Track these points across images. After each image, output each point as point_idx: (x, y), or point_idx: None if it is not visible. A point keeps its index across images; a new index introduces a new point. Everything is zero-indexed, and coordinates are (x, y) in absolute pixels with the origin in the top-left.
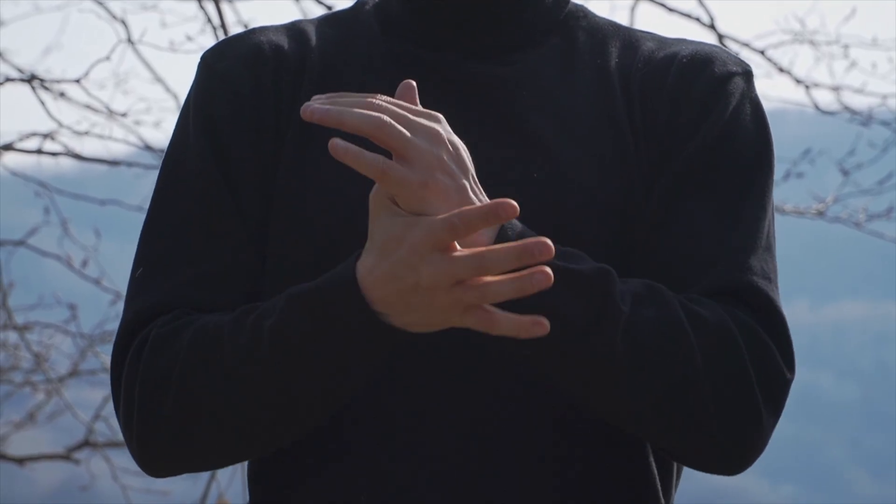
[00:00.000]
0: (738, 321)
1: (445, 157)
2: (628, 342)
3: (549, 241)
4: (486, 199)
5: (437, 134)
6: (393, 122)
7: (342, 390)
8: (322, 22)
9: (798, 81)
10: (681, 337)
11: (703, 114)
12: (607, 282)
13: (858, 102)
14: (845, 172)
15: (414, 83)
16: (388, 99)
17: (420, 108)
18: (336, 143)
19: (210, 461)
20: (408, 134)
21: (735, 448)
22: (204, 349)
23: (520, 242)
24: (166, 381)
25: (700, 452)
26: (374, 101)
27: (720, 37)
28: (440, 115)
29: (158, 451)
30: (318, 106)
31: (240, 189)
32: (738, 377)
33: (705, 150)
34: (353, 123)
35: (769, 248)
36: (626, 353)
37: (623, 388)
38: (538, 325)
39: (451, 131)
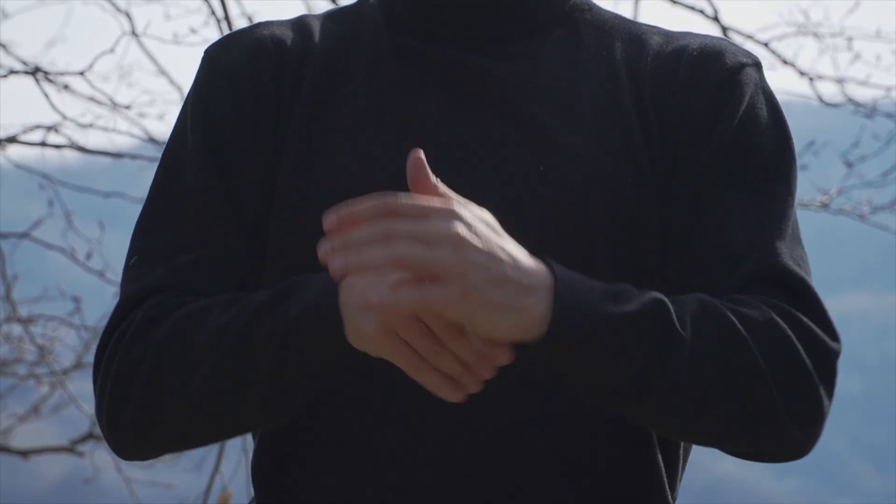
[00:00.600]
0: (780, 311)
1: (473, 257)
2: (694, 367)
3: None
4: (525, 265)
5: (457, 237)
6: (411, 251)
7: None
8: (327, 17)
9: (802, 73)
10: (742, 347)
11: (719, 106)
12: (664, 315)
13: (862, 94)
14: (849, 164)
15: (422, 155)
16: (397, 205)
17: (432, 201)
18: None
19: (176, 447)
20: (429, 255)
21: (805, 435)
22: (180, 337)
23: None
24: (139, 365)
25: (773, 448)
26: (385, 225)
27: (724, 29)
28: (453, 200)
29: (126, 437)
30: (338, 263)
31: (236, 185)
32: (797, 369)
33: (726, 144)
34: (374, 266)
35: (796, 237)
36: (692, 378)
37: (692, 410)
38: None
39: (469, 212)
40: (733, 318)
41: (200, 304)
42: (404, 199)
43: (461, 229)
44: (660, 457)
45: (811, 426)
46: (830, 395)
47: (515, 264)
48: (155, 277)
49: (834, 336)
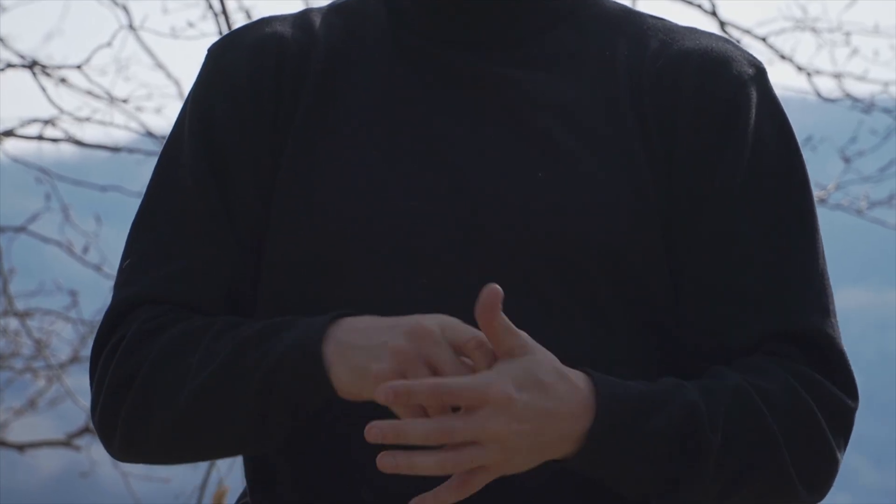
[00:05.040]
0: (799, 377)
1: (519, 445)
2: (720, 466)
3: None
4: (569, 410)
5: (505, 435)
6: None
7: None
8: (330, 11)
9: (800, 69)
10: (768, 439)
11: (727, 129)
12: (697, 425)
13: (860, 90)
14: (847, 160)
15: (499, 292)
16: (453, 390)
17: (486, 381)
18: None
19: (160, 462)
20: (471, 457)
21: (818, 492)
22: (170, 359)
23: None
24: (130, 381)
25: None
26: (439, 426)
27: (722, 24)
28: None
29: (117, 446)
30: (387, 461)
31: (232, 187)
32: (817, 441)
33: (736, 170)
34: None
35: (822, 271)
36: (717, 475)
37: (714, 496)
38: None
39: (524, 383)
40: (761, 405)
41: (194, 324)
42: (457, 382)
43: (512, 425)
44: None
45: (825, 484)
46: (844, 447)
47: (559, 426)
48: (148, 283)
49: (854, 394)
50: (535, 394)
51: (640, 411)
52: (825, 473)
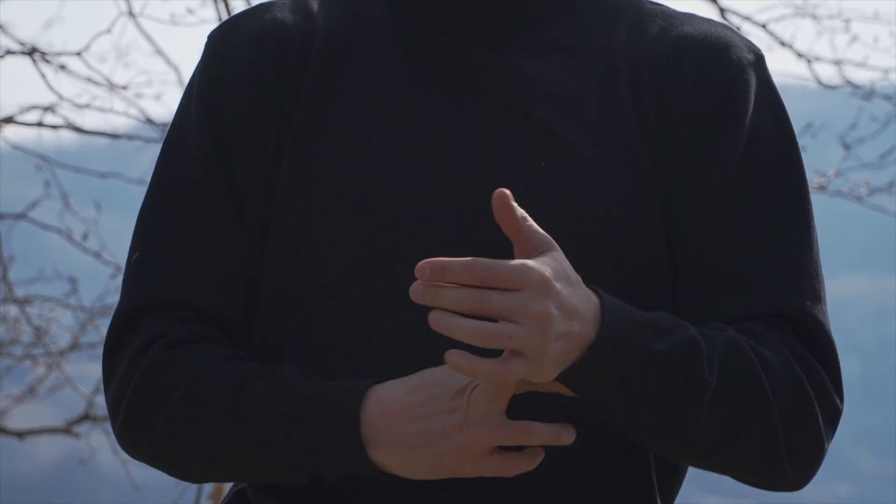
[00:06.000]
0: (797, 355)
1: (556, 331)
2: (713, 410)
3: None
4: (585, 310)
5: (545, 316)
6: (494, 330)
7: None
8: None
9: (800, 55)
10: (761, 396)
11: (725, 118)
12: (695, 357)
13: (860, 76)
14: (847, 146)
15: (507, 192)
16: (492, 269)
17: (524, 268)
18: (452, 356)
19: (182, 478)
20: (517, 335)
21: (803, 475)
22: (194, 412)
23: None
24: (163, 401)
25: (769, 484)
26: (478, 294)
27: (722, 11)
28: (530, 265)
29: (137, 452)
30: (437, 316)
31: (239, 179)
32: (807, 415)
33: (734, 158)
34: (465, 336)
35: (815, 259)
36: (710, 419)
37: (704, 446)
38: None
39: (554, 272)
40: (757, 363)
41: (210, 373)
42: (497, 262)
43: (551, 308)
44: (654, 474)
45: (811, 468)
46: (831, 439)
47: (582, 317)
48: (159, 285)
49: (840, 391)
50: (567, 287)
51: (642, 333)
52: (812, 455)
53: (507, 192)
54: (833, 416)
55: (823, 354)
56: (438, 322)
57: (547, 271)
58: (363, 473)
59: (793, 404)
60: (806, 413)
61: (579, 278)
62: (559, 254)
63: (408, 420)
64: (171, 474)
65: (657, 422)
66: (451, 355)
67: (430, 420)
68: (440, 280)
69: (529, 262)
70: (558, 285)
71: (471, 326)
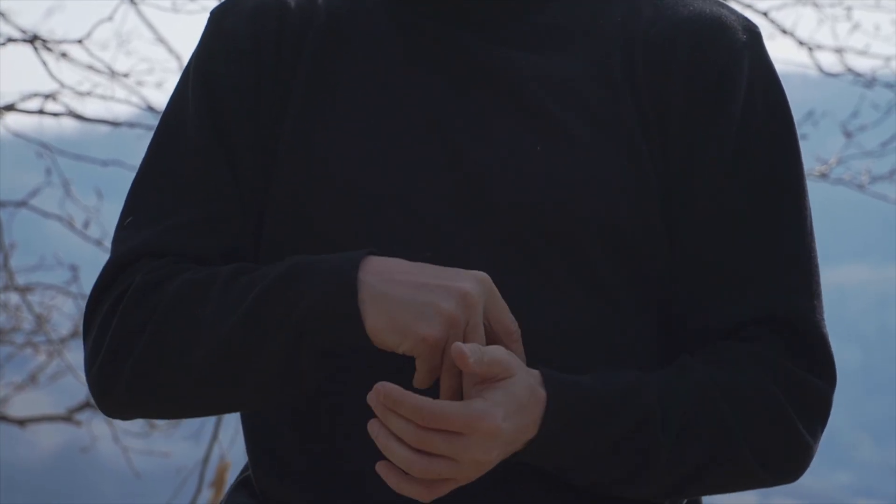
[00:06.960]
0: (774, 368)
1: (494, 459)
2: (672, 463)
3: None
4: (527, 419)
5: (486, 463)
6: (425, 466)
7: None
8: None
9: (801, 43)
10: (724, 432)
11: (720, 99)
12: (648, 427)
13: (861, 64)
14: (848, 134)
15: (464, 350)
16: (444, 417)
17: (474, 410)
18: (381, 467)
19: (166, 416)
20: (440, 471)
21: (790, 473)
22: (182, 309)
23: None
24: (136, 335)
25: (761, 486)
26: (428, 439)
27: None
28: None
29: (116, 398)
30: (376, 431)
31: (234, 148)
32: (780, 428)
33: (728, 142)
34: (396, 461)
35: (809, 248)
36: (672, 471)
37: (664, 492)
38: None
39: (501, 414)
40: (723, 404)
41: (202, 273)
42: (451, 408)
43: (493, 453)
44: None
45: (797, 470)
46: (820, 433)
47: (525, 432)
48: (150, 236)
49: (831, 377)
50: (517, 418)
51: (594, 409)
52: (794, 459)
53: (463, 351)
54: (820, 412)
55: (814, 353)
56: (376, 438)
57: (498, 416)
58: (345, 340)
59: (762, 425)
60: (780, 427)
61: (533, 386)
62: (515, 379)
63: (405, 272)
64: (147, 408)
65: (613, 486)
66: (380, 467)
67: (431, 290)
68: (391, 407)
69: (482, 409)
70: (506, 426)
71: (404, 458)
